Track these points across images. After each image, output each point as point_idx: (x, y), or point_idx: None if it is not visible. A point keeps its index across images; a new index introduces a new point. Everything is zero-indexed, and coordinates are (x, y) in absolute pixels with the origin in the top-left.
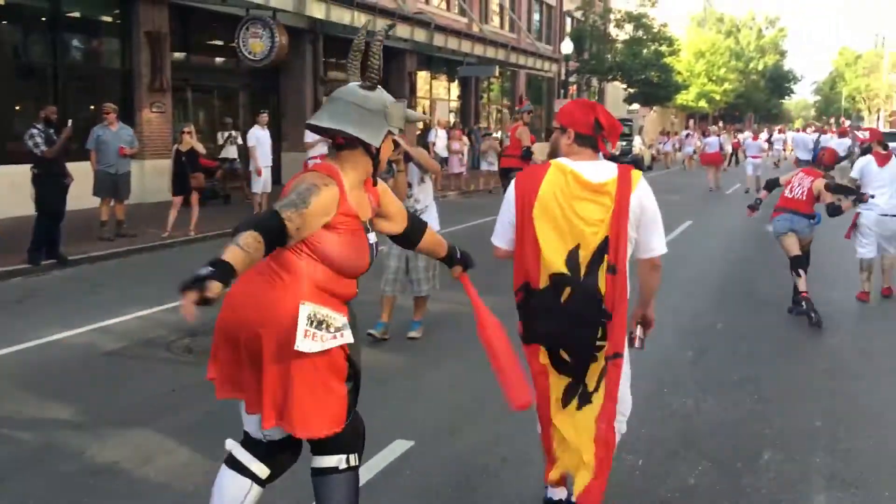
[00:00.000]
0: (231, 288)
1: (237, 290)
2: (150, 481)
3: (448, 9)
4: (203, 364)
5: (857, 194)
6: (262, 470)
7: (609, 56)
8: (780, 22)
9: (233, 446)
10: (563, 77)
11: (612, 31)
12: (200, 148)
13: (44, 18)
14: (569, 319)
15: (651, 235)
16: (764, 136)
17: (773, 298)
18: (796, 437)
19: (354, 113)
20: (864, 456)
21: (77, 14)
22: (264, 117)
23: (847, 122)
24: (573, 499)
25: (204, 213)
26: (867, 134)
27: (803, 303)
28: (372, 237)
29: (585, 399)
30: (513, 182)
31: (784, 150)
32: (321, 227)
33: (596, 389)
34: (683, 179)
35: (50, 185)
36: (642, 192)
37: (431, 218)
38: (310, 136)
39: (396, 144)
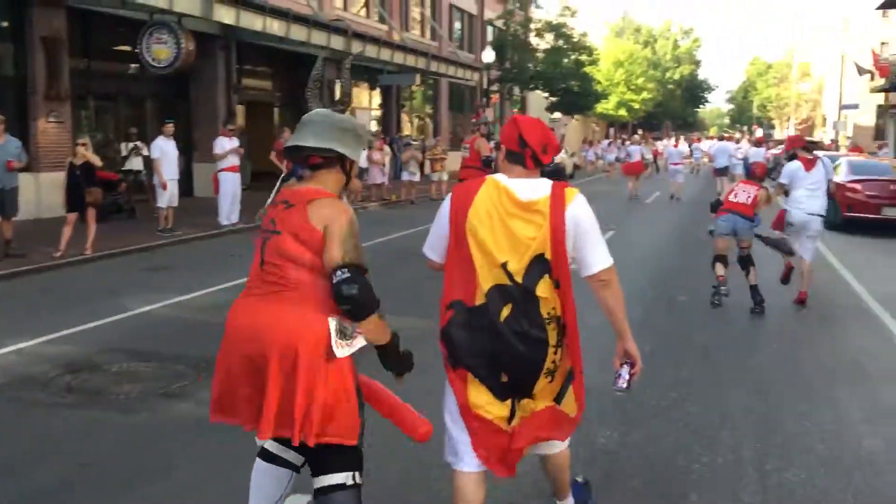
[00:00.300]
0: (238, 320)
1: (247, 323)
2: None
3: (367, 16)
4: (83, 405)
5: (785, 251)
6: (296, 457)
7: (530, 65)
8: (695, 32)
9: (264, 441)
10: (485, 86)
11: (533, 40)
12: (96, 161)
13: None
14: (512, 337)
15: (588, 251)
16: (683, 144)
17: (699, 307)
18: (724, 471)
19: (337, 133)
20: (796, 492)
21: None
22: (170, 127)
23: (759, 131)
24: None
25: (105, 230)
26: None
27: (721, 286)
28: None
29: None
30: (448, 195)
31: (702, 157)
32: None
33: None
34: (605, 187)
35: None
36: (577, 208)
37: None
38: (219, 147)
39: None
